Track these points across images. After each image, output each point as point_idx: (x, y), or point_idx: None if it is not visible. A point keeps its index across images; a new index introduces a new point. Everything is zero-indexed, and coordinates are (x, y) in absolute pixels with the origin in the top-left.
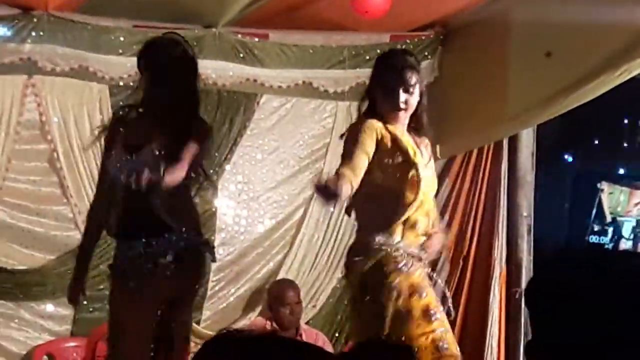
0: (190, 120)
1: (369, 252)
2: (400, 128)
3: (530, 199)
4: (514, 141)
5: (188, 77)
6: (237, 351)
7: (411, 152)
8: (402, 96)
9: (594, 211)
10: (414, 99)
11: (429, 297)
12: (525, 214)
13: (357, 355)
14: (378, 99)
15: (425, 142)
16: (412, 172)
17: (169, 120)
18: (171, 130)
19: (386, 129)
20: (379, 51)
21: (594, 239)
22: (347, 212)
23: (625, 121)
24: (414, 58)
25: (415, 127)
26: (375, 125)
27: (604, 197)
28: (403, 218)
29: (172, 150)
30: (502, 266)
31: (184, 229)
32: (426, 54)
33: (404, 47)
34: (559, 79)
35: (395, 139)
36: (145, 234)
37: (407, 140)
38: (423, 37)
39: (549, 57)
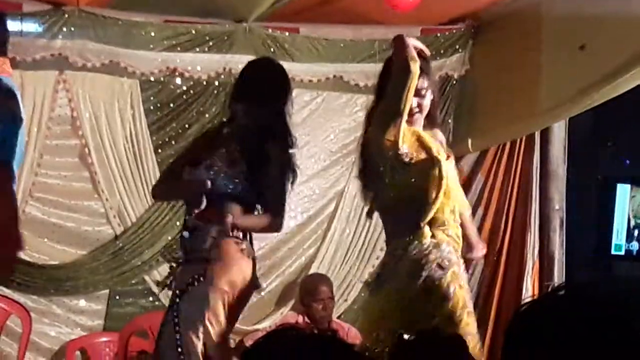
0: (264, 144)
1: (401, 265)
2: (419, 128)
3: (562, 193)
4: (546, 134)
5: (276, 103)
6: (298, 347)
7: (434, 148)
8: (415, 101)
9: (615, 215)
10: (427, 101)
11: (456, 300)
12: (557, 207)
13: (412, 348)
14: None
15: (439, 137)
16: (436, 169)
17: (242, 139)
18: (242, 148)
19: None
20: None
21: (626, 245)
22: (369, 215)
23: None
24: (423, 59)
25: (428, 124)
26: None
27: (627, 201)
28: (429, 217)
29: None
30: (535, 260)
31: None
32: (457, 47)
33: (434, 40)
34: (591, 71)
35: (418, 137)
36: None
37: (427, 137)
38: (454, 31)
39: (582, 50)
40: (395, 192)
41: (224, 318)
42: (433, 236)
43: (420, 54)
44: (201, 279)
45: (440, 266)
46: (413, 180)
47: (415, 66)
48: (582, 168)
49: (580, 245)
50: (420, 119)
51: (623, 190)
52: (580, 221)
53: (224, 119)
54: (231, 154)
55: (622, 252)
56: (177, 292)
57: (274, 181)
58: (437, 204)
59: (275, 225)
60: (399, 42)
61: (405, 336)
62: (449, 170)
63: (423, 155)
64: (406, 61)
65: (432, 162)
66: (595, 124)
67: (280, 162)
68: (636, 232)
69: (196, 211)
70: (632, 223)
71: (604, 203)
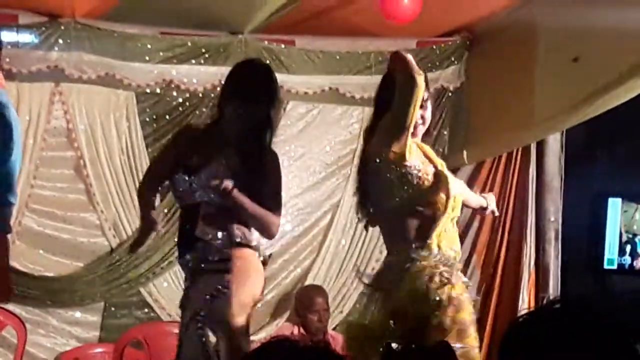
0: (260, 149)
1: (408, 270)
2: (420, 141)
3: (557, 204)
4: (541, 146)
5: (267, 104)
6: (292, 358)
7: (438, 164)
8: (418, 113)
9: (607, 231)
10: (428, 113)
11: (465, 311)
12: (552, 219)
13: (400, 358)
14: None
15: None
16: (443, 183)
17: (238, 145)
18: (240, 156)
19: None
20: None
21: (618, 259)
22: (366, 227)
23: None
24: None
25: (424, 138)
26: None
27: (619, 215)
28: (438, 230)
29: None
30: (531, 271)
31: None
32: (452, 59)
33: (430, 52)
34: (586, 84)
35: (424, 152)
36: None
37: (431, 151)
38: (450, 43)
39: (576, 62)
40: (403, 204)
41: (245, 330)
42: (439, 247)
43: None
44: (225, 290)
45: (442, 280)
46: (422, 194)
47: (421, 80)
48: (576, 181)
49: (573, 259)
50: (422, 130)
51: (615, 205)
52: (573, 235)
53: (209, 121)
54: (231, 162)
55: (615, 267)
56: (197, 307)
57: (271, 181)
58: (444, 219)
59: (271, 224)
60: (400, 57)
61: (394, 345)
62: (452, 183)
63: (431, 169)
64: (412, 75)
65: (440, 177)
66: (589, 137)
67: (275, 162)
68: (628, 247)
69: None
70: (624, 238)
71: (596, 217)
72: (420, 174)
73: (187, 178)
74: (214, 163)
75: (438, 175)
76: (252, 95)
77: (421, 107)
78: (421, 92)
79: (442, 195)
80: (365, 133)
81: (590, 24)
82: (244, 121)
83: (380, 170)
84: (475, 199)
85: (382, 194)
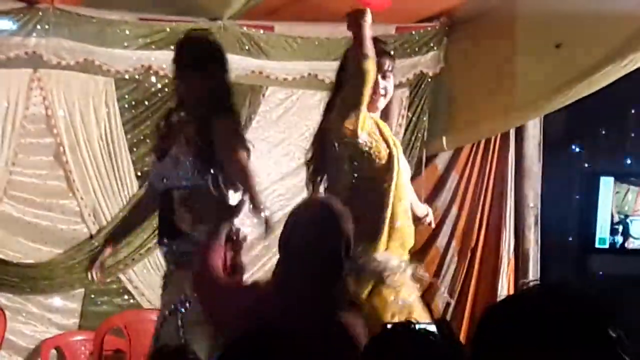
0: (216, 119)
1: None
2: (377, 115)
3: (537, 190)
4: (520, 132)
5: (213, 73)
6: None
7: (391, 141)
8: (381, 82)
9: (599, 210)
10: (391, 85)
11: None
12: (532, 204)
13: (389, 339)
14: None
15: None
16: (393, 164)
17: (195, 121)
18: (199, 132)
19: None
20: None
21: (610, 239)
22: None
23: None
24: (385, 44)
25: (384, 113)
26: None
27: (612, 196)
28: (387, 217)
29: (200, 153)
30: (510, 257)
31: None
32: (432, 45)
33: (409, 38)
34: (565, 69)
35: (378, 126)
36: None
37: (386, 127)
38: (429, 28)
39: (558, 48)
40: (355, 180)
41: None
42: (388, 247)
43: (378, 38)
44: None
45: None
46: (371, 169)
47: (371, 64)
48: (561, 163)
49: (563, 239)
50: (383, 102)
51: (606, 183)
52: (557, 219)
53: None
54: (189, 136)
55: (607, 246)
56: (182, 297)
57: (230, 155)
58: (391, 197)
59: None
60: (357, 38)
61: (389, 326)
62: (404, 165)
63: (382, 145)
64: (361, 60)
65: (389, 154)
66: (569, 119)
67: (234, 134)
68: (620, 228)
69: None
70: (616, 218)
71: (587, 196)
72: (371, 151)
73: (158, 163)
74: (174, 146)
75: (388, 153)
76: (193, 68)
77: (383, 77)
78: (372, 77)
79: (389, 175)
80: (325, 107)
81: (570, 9)
82: (193, 94)
83: (336, 146)
84: (419, 208)
85: (336, 169)
